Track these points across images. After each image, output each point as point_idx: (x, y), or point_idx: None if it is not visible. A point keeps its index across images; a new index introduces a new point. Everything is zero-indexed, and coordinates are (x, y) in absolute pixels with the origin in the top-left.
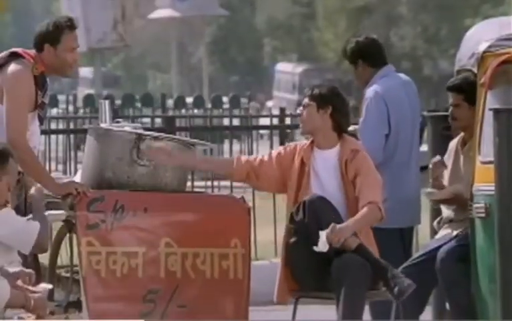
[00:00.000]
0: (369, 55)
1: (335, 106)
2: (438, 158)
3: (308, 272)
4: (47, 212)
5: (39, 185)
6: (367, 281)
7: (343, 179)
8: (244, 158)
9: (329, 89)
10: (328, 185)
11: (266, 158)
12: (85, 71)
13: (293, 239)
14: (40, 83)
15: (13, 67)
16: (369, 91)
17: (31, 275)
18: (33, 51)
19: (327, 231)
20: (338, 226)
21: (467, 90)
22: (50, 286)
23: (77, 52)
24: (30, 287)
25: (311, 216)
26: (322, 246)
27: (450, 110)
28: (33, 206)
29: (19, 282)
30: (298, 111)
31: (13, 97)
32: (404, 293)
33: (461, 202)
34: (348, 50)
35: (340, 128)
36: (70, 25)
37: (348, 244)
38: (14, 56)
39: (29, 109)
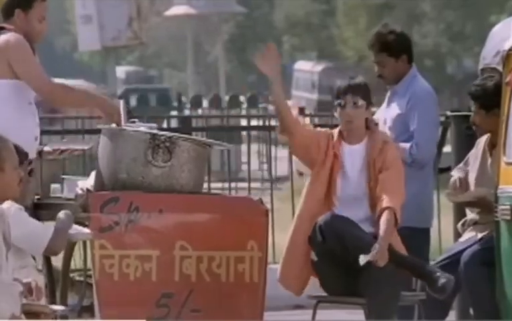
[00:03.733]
0: (411, 51)
1: (369, 101)
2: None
3: (336, 280)
4: (74, 231)
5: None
6: (398, 293)
7: (369, 173)
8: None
9: (365, 84)
10: (354, 180)
11: (311, 126)
12: (118, 71)
13: (316, 258)
14: None
15: (6, 36)
16: (421, 91)
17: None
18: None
19: (370, 257)
20: (377, 247)
21: (481, 96)
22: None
23: (46, 24)
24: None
25: (331, 237)
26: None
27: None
28: (56, 224)
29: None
30: (338, 110)
31: (24, 57)
32: (447, 288)
33: (484, 206)
34: (391, 41)
35: (367, 122)
36: None
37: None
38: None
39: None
